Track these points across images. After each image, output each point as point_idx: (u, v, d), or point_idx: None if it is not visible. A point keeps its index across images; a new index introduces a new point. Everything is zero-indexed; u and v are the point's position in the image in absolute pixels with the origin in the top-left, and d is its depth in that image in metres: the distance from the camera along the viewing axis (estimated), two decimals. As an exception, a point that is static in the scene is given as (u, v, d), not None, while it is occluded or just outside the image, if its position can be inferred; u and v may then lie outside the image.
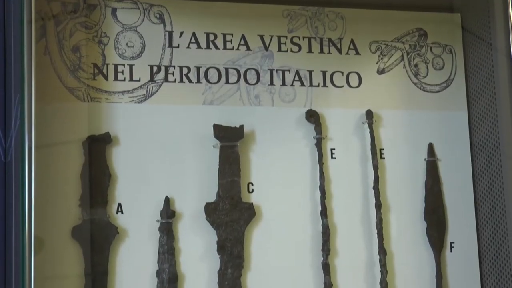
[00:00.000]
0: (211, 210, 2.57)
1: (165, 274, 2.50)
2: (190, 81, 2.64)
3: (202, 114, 2.62)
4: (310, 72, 2.76)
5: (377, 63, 2.84)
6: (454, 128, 2.87)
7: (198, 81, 2.65)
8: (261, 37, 2.73)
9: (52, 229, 2.41)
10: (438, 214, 2.80)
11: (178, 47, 2.64)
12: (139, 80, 2.59)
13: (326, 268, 2.65)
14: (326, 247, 2.66)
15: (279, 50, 2.74)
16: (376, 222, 2.72)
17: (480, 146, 2.83)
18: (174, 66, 2.63)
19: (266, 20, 2.73)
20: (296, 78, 2.74)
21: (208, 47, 2.67)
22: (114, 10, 2.59)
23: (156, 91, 2.60)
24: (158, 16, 2.63)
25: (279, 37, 2.74)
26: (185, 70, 2.64)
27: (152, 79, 2.61)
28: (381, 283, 2.68)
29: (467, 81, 2.91)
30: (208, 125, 2.60)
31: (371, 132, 2.75)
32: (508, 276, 2.69)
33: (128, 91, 2.57)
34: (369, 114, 2.77)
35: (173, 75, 2.62)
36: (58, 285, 2.39)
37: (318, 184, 2.69)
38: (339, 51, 2.80)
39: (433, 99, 2.87)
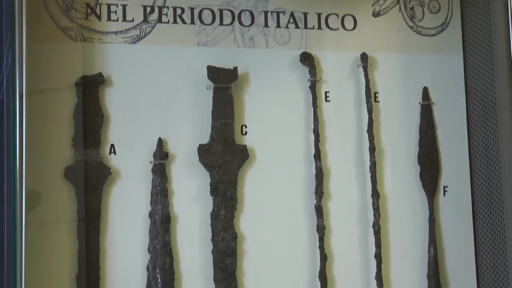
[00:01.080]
0: (204, 152, 2.57)
1: (157, 216, 2.50)
2: (184, 22, 2.62)
3: (196, 56, 2.61)
4: (305, 14, 2.73)
5: (372, 5, 2.81)
6: (449, 72, 2.86)
7: (192, 22, 2.62)
8: (256, -22, 2.71)
9: (44, 169, 2.41)
10: (432, 158, 2.80)
11: (171, -13, 2.62)
12: (133, 21, 2.57)
13: (319, 211, 2.65)
14: (319, 190, 2.66)
15: (274, -9, 2.72)
16: (369, 166, 2.72)
17: (475, 91, 2.82)
18: (168, 7, 2.60)
19: (261, -39, 2.71)
20: (291, 20, 2.72)
21: (202, -13, 2.65)
22: (107, -51, 2.56)
23: (150, 31, 2.58)
24: (151, -45, 2.60)
25: (274, -22, 2.72)
26: (179, 11, 2.61)
27: (145, 20, 2.58)
28: (373, 226, 2.69)
29: (463, 25, 2.89)
30: (202, 67, 2.59)
31: (366, 75, 2.74)
32: (500, 220, 2.69)
33: (121, 31, 2.55)
34: (364, 57, 2.75)
35: (167, 16, 2.60)
36: (50, 228, 2.39)
37: (312, 127, 2.68)
38: (335, -7, 2.78)
39: (428, 42, 2.85)
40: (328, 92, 2.73)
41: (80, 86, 2.48)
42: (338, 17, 2.76)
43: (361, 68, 2.74)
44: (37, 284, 2.34)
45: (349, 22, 2.78)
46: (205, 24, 2.63)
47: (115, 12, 2.54)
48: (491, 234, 2.73)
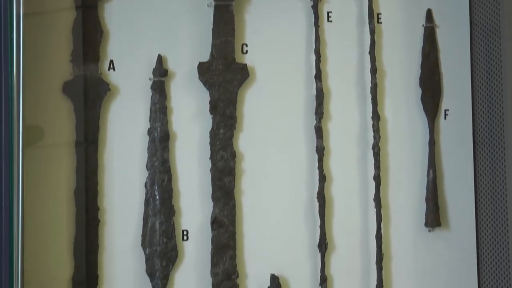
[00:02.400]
0: (204, 70, 2.55)
1: (156, 133, 2.50)
2: None
3: (197, -27, 2.58)
4: None
5: None
6: (454, -5, 2.82)
7: None
8: None
9: (43, 85, 2.40)
10: (434, 81, 2.77)
11: None
12: None
13: (319, 131, 2.64)
14: (319, 111, 2.64)
15: None
16: (370, 87, 2.70)
17: (479, 19, 2.78)
18: None
19: None
20: None
21: None
22: None
23: None
24: None
25: None
26: None
27: None
28: (373, 148, 2.68)
29: None
30: (203, -16, 2.56)
31: (369, -5, 2.71)
32: (501, 143, 2.68)
33: None
34: (368, -23, 2.72)
35: None
36: (49, 146, 2.39)
37: (313, 47, 2.66)
38: None
39: (433, -37, 2.81)
40: (330, 12, 2.70)
41: (79, 1, 2.45)
42: None
43: (364, -12, 2.72)
44: (35, 203, 2.34)
45: None
46: None
47: None
48: (491, 158, 2.72)
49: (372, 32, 2.70)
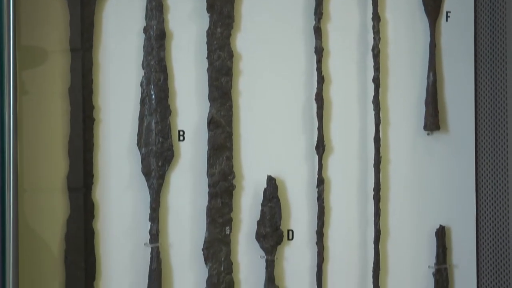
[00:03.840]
0: (201, -33, 2.50)
1: (152, 31, 2.45)
2: None
3: None
4: None
5: None
6: None
7: None
8: None
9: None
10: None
11: None
12: None
13: (318, 32, 2.60)
14: (319, 11, 2.60)
15: None
16: (371, -12, 2.65)
17: None
18: None
19: None
20: None
21: None
22: None
23: None
24: None
25: None
26: None
27: None
28: (373, 49, 2.65)
29: None
30: None
31: None
32: (503, 53, 2.64)
33: None
34: None
35: None
36: (43, 49, 2.35)
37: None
38: None
39: None
40: None
41: None
42: None
43: None
44: (29, 103, 2.31)
45: None
46: None
47: None
48: (492, 61, 2.69)
49: None
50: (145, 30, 2.45)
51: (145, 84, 2.45)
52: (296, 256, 2.60)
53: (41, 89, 2.36)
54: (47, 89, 2.37)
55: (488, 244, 2.69)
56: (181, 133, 2.50)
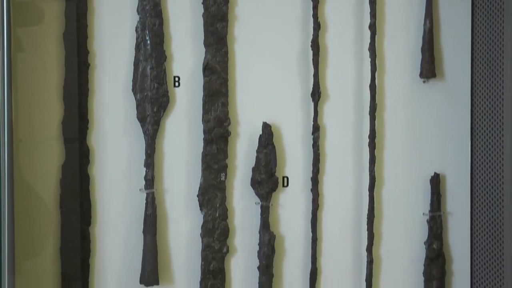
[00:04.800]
0: None
1: (147, -25, 2.44)
2: None
3: None
4: None
5: None
6: None
7: None
8: None
9: None
10: None
11: None
12: None
13: (315, -22, 2.58)
14: (316, -44, 2.58)
15: None
16: None
17: None
18: None
19: None
20: None
21: None
22: None
23: None
24: None
25: None
26: None
27: None
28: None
29: None
30: None
31: None
32: (500, 42, 2.61)
33: None
34: None
35: None
36: None
37: None
38: None
39: None
40: None
41: None
42: None
43: None
44: (23, 46, 2.30)
45: None
46: None
47: None
48: (490, 8, 2.67)
49: None
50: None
51: (140, 29, 2.43)
52: (291, 203, 2.61)
53: (36, 36, 2.34)
54: (42, 36, 2.35)
55: (482, 191, 2.70)
56: (176, 79, 2.49)
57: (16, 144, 2.24)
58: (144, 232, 2.44)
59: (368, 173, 2.64)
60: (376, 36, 2.63)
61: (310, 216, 2.60)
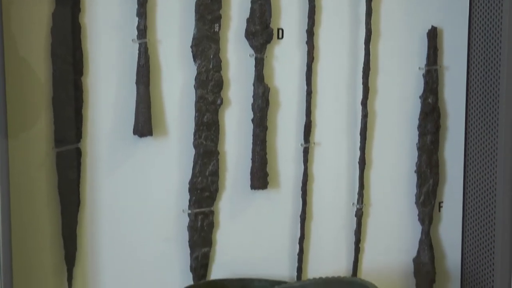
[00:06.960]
0: None
1: None
2: None
3: None
4: None
5: None
6: None
7: None
8: None
9: None
10: None
11: None
12: None
13: None
14: None
15: None
16: None
17: None
18: None
19: None
20: None
21: None
22: None
23: None
24: None
25: None
26: None
27: None
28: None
29: None
30: None
31: None
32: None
33: None
34: None
35: None
36: None
37: None
38: None
39: None
40: None
41: None
42: None
43: None
44: None
45: None
46: None
47: None
48: None
49: None
50: None
51: None
52: (286, 55, 2.57)
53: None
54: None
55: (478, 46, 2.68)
56: None
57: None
58: (137, 82, 2.41)
59: (364, 25, 2.60)
60: None
61: (305, 69, 2.57)
